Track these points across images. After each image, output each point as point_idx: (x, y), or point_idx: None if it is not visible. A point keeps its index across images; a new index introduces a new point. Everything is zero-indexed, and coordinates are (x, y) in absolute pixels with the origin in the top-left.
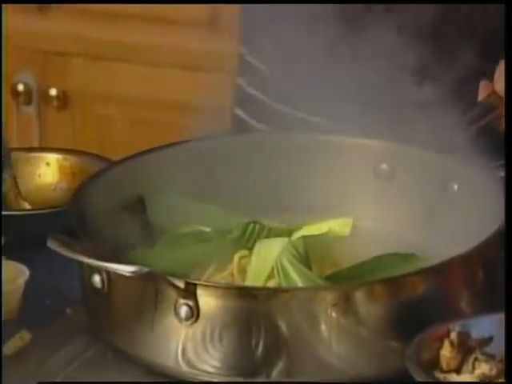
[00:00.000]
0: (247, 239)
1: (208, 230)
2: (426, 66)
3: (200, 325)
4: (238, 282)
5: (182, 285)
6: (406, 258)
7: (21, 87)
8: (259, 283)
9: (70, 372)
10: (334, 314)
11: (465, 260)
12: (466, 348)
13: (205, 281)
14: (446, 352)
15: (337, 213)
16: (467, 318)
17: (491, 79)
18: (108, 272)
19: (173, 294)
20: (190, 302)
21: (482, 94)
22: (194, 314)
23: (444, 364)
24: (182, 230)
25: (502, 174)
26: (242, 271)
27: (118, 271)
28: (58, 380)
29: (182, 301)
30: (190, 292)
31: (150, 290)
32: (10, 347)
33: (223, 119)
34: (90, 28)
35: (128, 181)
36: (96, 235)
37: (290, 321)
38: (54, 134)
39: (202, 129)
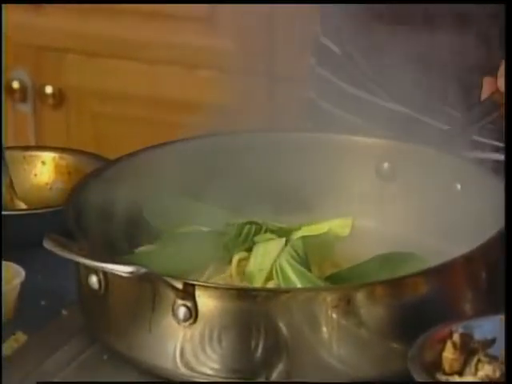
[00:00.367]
0: (244, 240)
1: (206, 229)
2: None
3: (198, 326)
4: (236, 283)
5: (180, 285)
6: (405, 257)
7: (16, 84)
8: (258, 285)
9: (66, 374)
10: (334, 316)
11: (467, 261)
12: (468, 350)
13: (203, 281)
14: (449, 354)
15: (338, 212)
16: (470, 319)
17: (495, 75)
18: (105, 273)
19: (171, 294)
20: (189, 303)
21: (485, 92)
22: (193, 315)
23: (446, 366)
24: (179, 230)
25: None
26: (241, 273)
27: (114, 272)
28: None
29: (180, 302)
30: (188, 293)
31: (148, 291)
32: (5, 348)
33: (221, 117)
34: (86, 24)
35: (125, 180)
36: (93, 235)
37: (290, 322)
38: (49, 132)
39: (200, 127)
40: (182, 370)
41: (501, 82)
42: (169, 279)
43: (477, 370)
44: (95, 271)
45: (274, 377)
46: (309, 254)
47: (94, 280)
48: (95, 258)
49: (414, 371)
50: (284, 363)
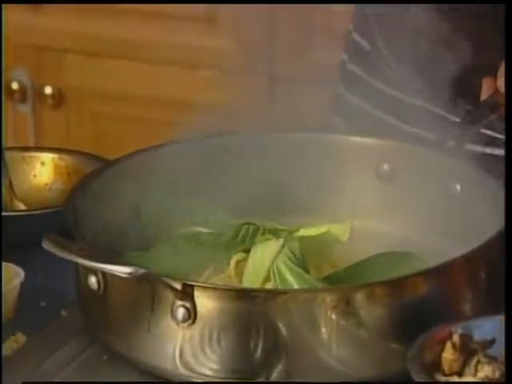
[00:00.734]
0: (241, 241)
1: (204, 230)
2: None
3: (197, 327)
4: (235, 284)
5: (178, 286)
6: (403, 257)
7: (15, 85)
8: (256, 286)
9: (66, 374)
10: (333, 316)
11: (467, 261)
12: (468, 350)
13: (202, 282)
14: (448, 354)
15: (337, 212)
16: (469, 319)
17: (494, 75)
18: (104, 273)
19: (169, 295)
20: (187, 304)
21: (485, 92)
22: (192, 315)
23: (446, 367)
24: (177, 231)
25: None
26: (239, 274)
27: (113, 272)
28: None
29: (178, 302)
30: (186, 294)
31: (147, 292)
32: (5, 349)
33: (221, 117)
34: (86, 24)
35: (123, 181)
36: (91, 236)
37: (289, 323)
38: (49, 132)
39: (200, 127)
40: (181, 370)
41: (501, 83)
42: (167, 280)
43: (476, 370)
44: (94, 272)
45: (274, 377)
46: (306, 255)
47: (93, 280)
48: (94, 258)
49: (413, 372)
50: (283, 364)
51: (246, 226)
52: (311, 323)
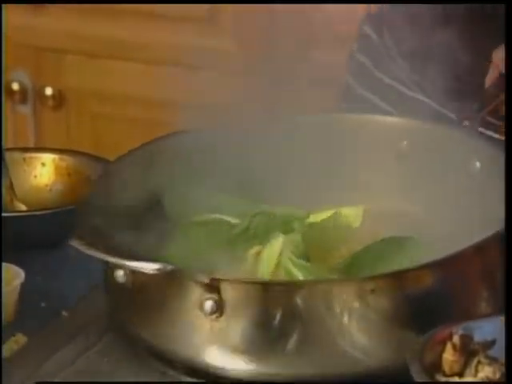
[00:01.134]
0: (254, 232)
1: (223, 217)
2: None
3: (225, 319)
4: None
5: (206, 280)
6: (403, 243)
7: (16, 86)
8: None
9: (66, 374)
10: (357, 305)
11: (479, 250)
12: (468, 351)
13: (229, 276)
14: (449, 355)
15: (354, 192)
16: (470, 320)
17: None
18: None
19: (197, 289)
20: (215, 297)
21: (490, 78)
22: (219, 308)
23: (446, 367)
24: (196, 219)
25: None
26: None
27: (141, 270)
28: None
29: (206, 295)
30: (214, 287)
31: (175, 286)
32: (5, 350)
33: (221, 118)
34: (86, 25)
35: (145, 168)
36: (111, 231)
37: (311, 312)
38: (49, 133)
39: (200, 127)
40: (209, 361)
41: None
42: (195, 275)
43: (477, 371)
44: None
45: (301, 366)
46: (317, 242)
47: (120, 274)
48: (121, 255)
49: (414, 372)
50: (309, 353)
51: (258, 216)
52: (335, 312)
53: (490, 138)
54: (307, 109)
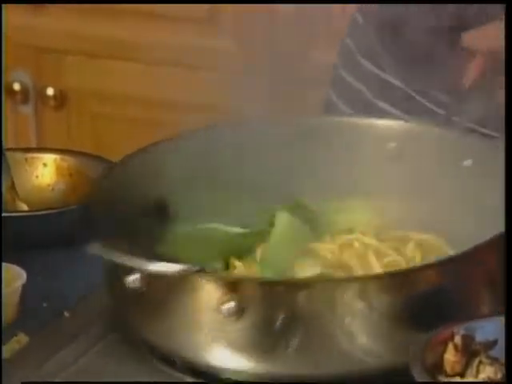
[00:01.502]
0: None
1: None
2: None
3: (245, 320)
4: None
5: (225, 281)
6: None
7: (17, 86)
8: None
9: (67, 375)
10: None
11: (482, 251)
12: (470, 351)
13: (248, 277)
14: (450, 356)
15: (347, 195)
16: (471, 320)
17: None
18: (146, 271)
19: (217, 291)
20: (235, 299)
21: (469, 77)
22: (239, 309)
23: (448, 368)
24: (203, 224)
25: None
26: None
27: (164, 272)
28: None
29: (226, 297)
30: (233, 288)
31: (193, 288)
32: (6, 350)
33: (221, 118)
34: (87, 25)
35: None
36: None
37: (326, 312)
38: (51, 133)
39: (200, 128)
40: (229, 364)
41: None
42: (215, 275)
43: (478, 371)
44: (134, 270)
45: (319, 366)
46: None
47: (133, 279)
48: (138, 257)
49: (415, 373)
50: (329, 354)
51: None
52: (355, 311)
53: (481, 135)
54: (307, 109)
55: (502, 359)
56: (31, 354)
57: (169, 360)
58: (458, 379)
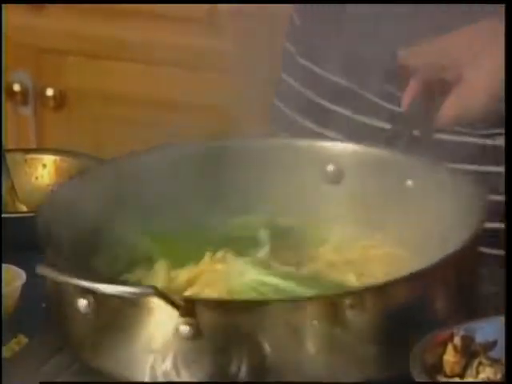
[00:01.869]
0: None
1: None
2: None
3: (200, 341)
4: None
5: (181, 302)
6: None
7: (17, 87)
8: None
9: (67, 376)
10: (344, 319)
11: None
12: (469, 352)
13: (203, 297)
14: (450, 357)
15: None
16: (471, 321)
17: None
18: (96, 294)
19: (173, 312)
20: (190, 319)
21: (408, 94)
22: (195, 330)
23: (448, 369)
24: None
25: (497, 142)
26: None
27: (122, 294)
28: None
29: (181, 319)
30: (189, 309)
31: (148, 310)
32: (6, 351)
33: (221, 118)
34: (87, 26)
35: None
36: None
37: (284, 332)
38: (51, 134)
39: (201, 128)
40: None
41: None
42: (170, 296)
43: (478, 372)
44: (84, 294)
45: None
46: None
47: (82, 303)
48: (90, 279)
49: (415, 373)
50: (285, 372)
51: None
52: (313, 331)
53: (419, 157)
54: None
55: (502, 360)
56: (31, 355)
57: None
58: (457, 380)
